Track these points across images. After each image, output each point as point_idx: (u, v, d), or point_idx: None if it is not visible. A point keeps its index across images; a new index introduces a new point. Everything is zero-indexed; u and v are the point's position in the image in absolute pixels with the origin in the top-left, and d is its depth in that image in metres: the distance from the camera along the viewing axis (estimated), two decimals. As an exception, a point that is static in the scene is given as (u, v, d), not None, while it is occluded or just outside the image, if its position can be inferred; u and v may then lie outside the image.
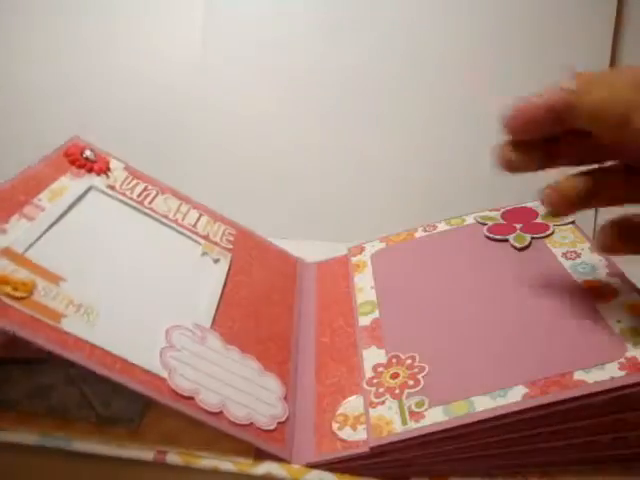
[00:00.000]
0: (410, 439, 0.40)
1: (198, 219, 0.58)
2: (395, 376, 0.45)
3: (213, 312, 0.47)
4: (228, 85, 0.71)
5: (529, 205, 0.61)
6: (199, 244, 0.54)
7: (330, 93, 0.75)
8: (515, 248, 0.55)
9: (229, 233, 0.59)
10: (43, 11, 0.64)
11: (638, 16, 0.66)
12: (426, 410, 0.41)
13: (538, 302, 0.48)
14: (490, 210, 0.62)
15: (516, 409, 0.39)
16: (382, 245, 0.63)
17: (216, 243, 0.56)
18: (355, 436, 0.42)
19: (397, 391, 0.43)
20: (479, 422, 0.39)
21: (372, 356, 0.48)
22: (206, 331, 0.45)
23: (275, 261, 0.60)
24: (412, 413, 0.41)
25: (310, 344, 0.52)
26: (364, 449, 0.40)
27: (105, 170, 0.55)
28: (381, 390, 0.44)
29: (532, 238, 0.55)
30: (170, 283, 0.47)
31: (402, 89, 0.73)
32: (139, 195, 0.55)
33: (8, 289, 0.37)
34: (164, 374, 0.39)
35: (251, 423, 0.40)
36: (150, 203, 0.55)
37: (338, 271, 0.62)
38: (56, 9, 0.65)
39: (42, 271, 0.40)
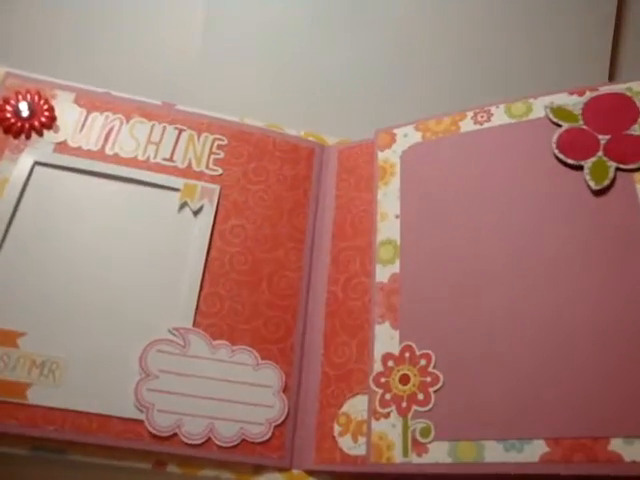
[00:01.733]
0: (409, 473, 0.37)
1: (176, 142, 0.47)
2: (405, 380, 0.39)
3: (195, 300, 0.42)
4: (228, 81, 0.61)
5: (627, 92, 0.43)
6: (176, 190, 0.46)
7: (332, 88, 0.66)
8: (590, 189, 0.40)
9: (218, 146, 0.48)
10: (42, 10, 0.53)
11: (638, 16, 0.63)
12: (431, 443, 0.37)
13: (597, 306, 0.37)
14: (569, 92, 0.44)
15: (529, 472, 0.34)
16: (417, 137, 0.48)
17: (200, 175, 0.47)
18: (355, 450, 0.39)
19: (404, 404, 0.39)
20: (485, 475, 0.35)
21: (384, 338, 0.42)
22: (188, 333, 0.41)
23: (282, 166, 0.49)
24: (415, 442, 0.37)
25: (321, 296, 0.46)
26: (362, 468, 0.39)
27: (50, 121, 0.46)
28: (387, 397, 0.40)
29: (617, 169, 0.40)
30: (141, 284, 0.42)
31: (404, 87, 0.65)
32: (97, 140, 0.46)
33: (-36, 379, 0.37)
34: (141, 416, 0.38)
35: (243, 440, 0.40)
36: (113, 146, 0.46)
37: (362, 168, 0.50)
38: (55, 8, 0.55)
39: (-3, 334, 0.39)
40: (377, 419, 0.39)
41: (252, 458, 0.40)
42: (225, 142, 0.48)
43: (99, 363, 0.39)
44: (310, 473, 0.41)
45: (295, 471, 0.40)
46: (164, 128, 0.48)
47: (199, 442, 0.39)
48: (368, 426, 0.39)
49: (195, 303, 0.42)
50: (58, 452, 0.38)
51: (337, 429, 0.41)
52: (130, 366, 0.40)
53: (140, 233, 0.44)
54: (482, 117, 0.47)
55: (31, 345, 0.39)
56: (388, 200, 0.47)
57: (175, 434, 0.39)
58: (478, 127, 0.47)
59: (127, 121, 0.47)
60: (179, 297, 0.42)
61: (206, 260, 0.44)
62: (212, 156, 0.48)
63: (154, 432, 0.38)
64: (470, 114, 0.47)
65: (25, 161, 0.44)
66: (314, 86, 0.62)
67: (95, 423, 0.38)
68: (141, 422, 0.39)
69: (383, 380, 0.40)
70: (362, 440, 0.39)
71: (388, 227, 0.46)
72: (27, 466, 0.39)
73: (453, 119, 0.48)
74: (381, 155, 0.49)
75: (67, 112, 0.46)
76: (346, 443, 0.40)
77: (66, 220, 0.43)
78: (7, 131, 0.44)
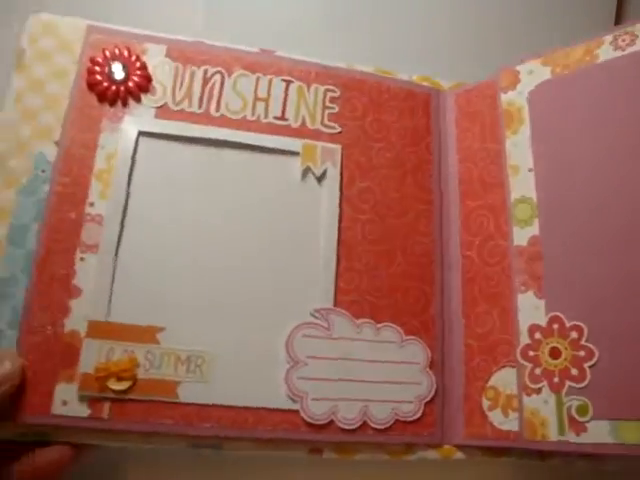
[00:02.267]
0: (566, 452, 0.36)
1: (286, 95, 0.42)
2: (555, 354, 0.37)
3: (333, 276, 0.39)
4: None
5: None
6: (296, 154, 0.41)
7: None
8: None
9: (331, 99, 0.43)
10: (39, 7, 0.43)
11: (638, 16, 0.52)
12: (589, 422, 0.36)
13: None
14: None
15: None
16: (545, 72, 0.43)
17: (317, 134, 0.42)
18: (506, 424, 0.38)
19: (556, 379, 0.37)
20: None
21: (528, 308, 0.39)
22: (330, 314, 0.39)
23: (400, 117, 0.44)
24: (572, 420, 0.36)
25: (456, 262, 0.43)
26: (516, 444, 0.38)
27: (146, 82, 0.40)
28: (538, 372, 0.38)
29: None
30: (274, 264, 0.39)
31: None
32: (200, 100, 0.40)
33: (113, 383, 0.34)
34: (295, 406, 0.37)
35: (396, 421, 0.38)
36: (218, 107, 0.41)
37: (485, 114, 0.45)
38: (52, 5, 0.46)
39: (136, 332, 0.36)
40: (528, 394, 0.38)
41: (405, 437, 0.39)
42: (337, 94, 0.43)
43: (244, 354, 0.37)
44: (459, 448, 0.40)
45: (447, 446, 0.40)
46: (270, 81, 0.42)
47: (355, 427, 0.37)
48: (519, 401, 0.38)
49: (333, 280, 0.39)
50: (214, 448, 0.36)
51: (486, 403, 0.40)
52: (276, 354, 0.37)
53: (266, 208, 0.40)
54: (624, 41, 0.40)
55: (172, 340, 0.36)
56: (518, 151, 0.43)
57: (331, 421, 0.37)
58: (620, 53, 0.40)
59: (229, 75, 0.41)
60: (315, 275, 0.39)
61: (338, 231, 0.40)
62: (326, 111, 0.42)
63: (310, 421, 0.37)
64: (609, 39, 0.41)
65: (129, 131, 0.38)
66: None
67: (251, 417, 0.36)
68: (296, 412, 0.37)
69: (532, 354, 0.38)
70: (513, 415, 0.38)
71: (522, 183, 0.42)
72: (183, 463, 0.38)
73: (587, 47, 0.42)
74: (504, 97, 0.44)
75: (161, 69, 0.40)
76: (497, 418, 0.39)
77: (184, 198, 0.39)
78: (102, 98, 0.38)
